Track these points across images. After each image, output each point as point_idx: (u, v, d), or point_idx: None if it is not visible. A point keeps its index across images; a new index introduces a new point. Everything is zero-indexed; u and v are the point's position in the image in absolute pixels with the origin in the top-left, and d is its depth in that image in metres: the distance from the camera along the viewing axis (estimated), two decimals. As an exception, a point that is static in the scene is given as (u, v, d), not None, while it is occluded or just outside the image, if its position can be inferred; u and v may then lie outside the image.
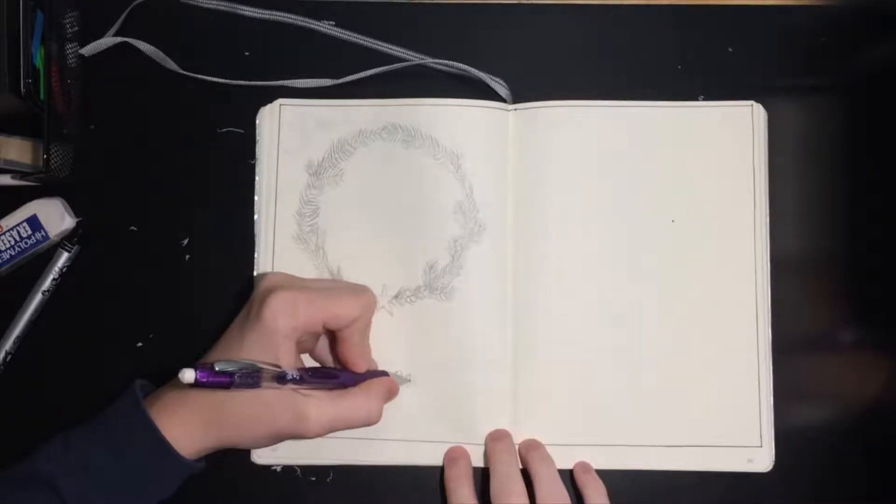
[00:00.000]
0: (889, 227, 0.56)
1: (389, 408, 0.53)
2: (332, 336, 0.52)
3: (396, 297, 0.55)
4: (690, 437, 0.54)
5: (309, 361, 0.54)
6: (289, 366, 0.47)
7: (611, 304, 0.55)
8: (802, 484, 0.54)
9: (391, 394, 0.53)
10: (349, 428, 0.50)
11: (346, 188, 0.56)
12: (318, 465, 0.54)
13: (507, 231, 0.55)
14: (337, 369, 0.52)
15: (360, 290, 0.52)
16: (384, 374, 0.53)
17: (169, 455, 0.46)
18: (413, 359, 0.54)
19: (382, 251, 0.55)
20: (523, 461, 0.53)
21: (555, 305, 0.54)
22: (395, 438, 0.54)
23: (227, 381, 0.45)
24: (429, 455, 0.54)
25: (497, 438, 0.53)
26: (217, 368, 0.44)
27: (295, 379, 0.47)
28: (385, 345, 0.54)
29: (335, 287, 0.53)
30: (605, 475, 0.53)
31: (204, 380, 0.44)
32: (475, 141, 0.55)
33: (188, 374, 0.44)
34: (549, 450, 0.54)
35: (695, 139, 0.56)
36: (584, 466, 0.54)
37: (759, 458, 0.54)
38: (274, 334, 0.47)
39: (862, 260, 0.56)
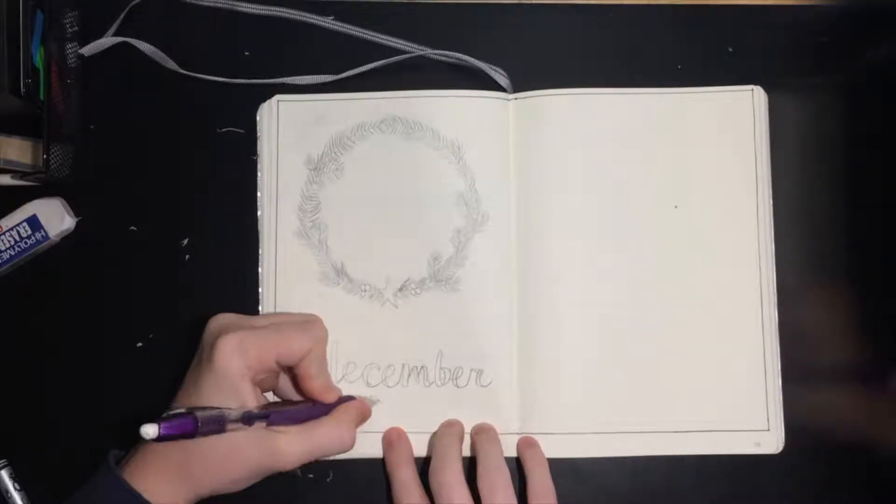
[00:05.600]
0: (891, 212, 0.56)
1: (395, 399, 0.53)
2: (293, 373, 0.51)
3: (401, 289, 0.55)
4: (697, 422, 0.54)
5: (274, 399, 0.54)
6: (252, 405, 0.47)
7: (615, 291, 0.54)
8: (810, 467, 0.54)
9: (363, 417, 0.53)
10: (325, 457, 0.50)
11: (347, 182, 0.55)
12: (317, 465, 0.54)
13: (511, 221, 0.55)
14: (303, 402, 0.51)
15: (309, 324, 0.52)
16: (351, 398, 0.53)
17: None
18: (419, 350, 0.54)
19: (386, 244, 0.55)
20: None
21: (559, 293, 0.54)
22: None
23: (190, 430, 0.43)
24: None
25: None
26: (176, 418, 0.42)
27: (261, 417, 0.46)
28: (391, 337, 0.54)
29: (284, 322, 0.51)
30: (612, 462, 0.54)
31: (167, 433, 0.42)
32: (476, 131, 0.55)
33: (151, 430, 0.41)
34: (555, 439, 0.53)
35: (696, 124, 0.56)
36: (528, 441, 0.53)
37: (767, 441, 0.54)
38: (229, 377, 0.46)
39: (865, 243, 0.55)
